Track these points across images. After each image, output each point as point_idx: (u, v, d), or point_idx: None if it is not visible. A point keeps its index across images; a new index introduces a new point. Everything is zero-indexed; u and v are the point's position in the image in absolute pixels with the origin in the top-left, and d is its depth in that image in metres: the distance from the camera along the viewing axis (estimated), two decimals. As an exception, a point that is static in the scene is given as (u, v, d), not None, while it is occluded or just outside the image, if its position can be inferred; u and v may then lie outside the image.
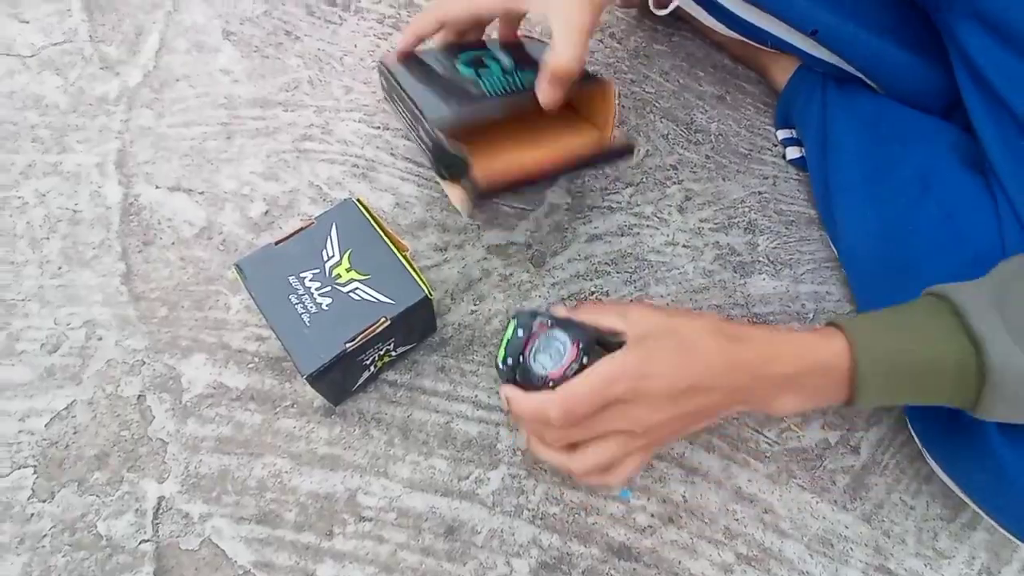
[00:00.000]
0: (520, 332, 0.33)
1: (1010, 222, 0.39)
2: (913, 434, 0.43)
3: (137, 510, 0.38)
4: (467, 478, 0.41)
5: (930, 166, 0.44)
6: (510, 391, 0.33)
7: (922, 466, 0.44)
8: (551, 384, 0.32)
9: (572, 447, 0.33)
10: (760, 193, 0.55)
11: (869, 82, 0.50)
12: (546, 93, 0.38)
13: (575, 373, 0.31)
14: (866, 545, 0.41)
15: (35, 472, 0.39)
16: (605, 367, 0.30)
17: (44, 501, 0.38)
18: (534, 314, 0.34)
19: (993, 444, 0.35)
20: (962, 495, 0.39)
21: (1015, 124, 0.39)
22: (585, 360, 0.32)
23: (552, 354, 0.33)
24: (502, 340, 0.34)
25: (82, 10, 0.54)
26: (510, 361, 0.33)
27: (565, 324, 0.33)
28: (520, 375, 0.33)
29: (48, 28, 0.52)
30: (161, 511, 0.38)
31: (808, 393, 0.32)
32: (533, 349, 0.33)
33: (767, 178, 0.56)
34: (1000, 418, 0.32)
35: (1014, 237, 0.39)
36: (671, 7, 0.53)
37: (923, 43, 0.46)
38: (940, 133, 0.46)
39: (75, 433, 0.40)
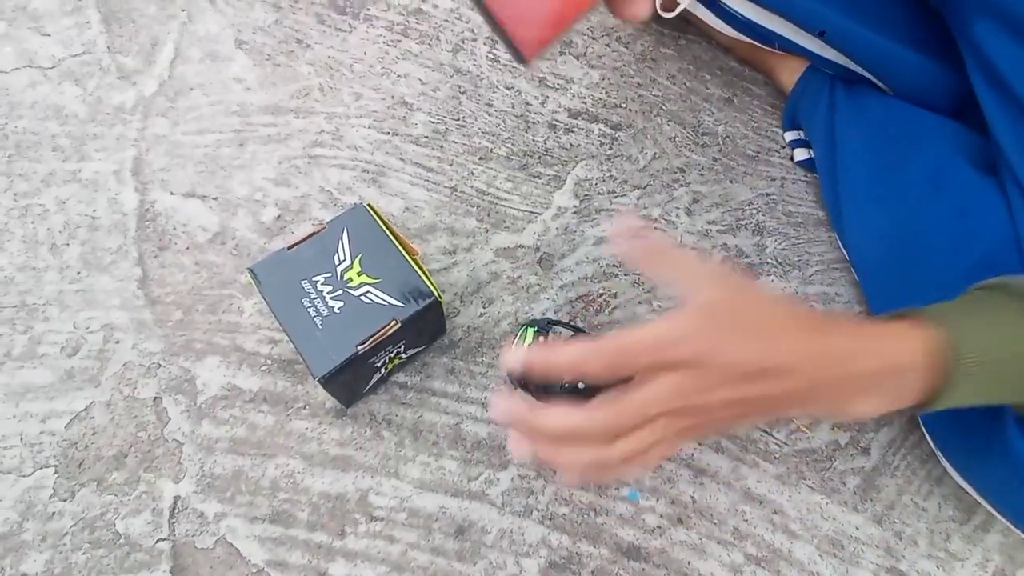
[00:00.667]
0: (541, 339, 0.33)
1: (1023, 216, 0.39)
2: (926, 435, 0.43)
3: (154, 509, 0.39)
4: (477, 479, 0.41)
5: (941, 165, 0.44)
6: (523, 406, 0.27)
7: (934, 467, 0.43)
8: (581, 387, 0.29)
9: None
10: (768, 195, 0.55)
11: (878, 83, 0.50)
12: None
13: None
14: (877, 547, 0.41)
15: (56, 472, 0.39)
16: (669, 322, 0.25)
17: (65, 500, 0.39)
18: (550, 322, 0.34)
19: (1013, 443, 0.35)
20: (977, 496, 0.39)
21: None
22: None
23: None
24: (516, 345, 0.35)
25: (100, 22, 0.55)
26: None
27: (575, 334, 0.33)
28: (537, 388, 0.31)
29: (68, 40, 0.54)
30: (177, 510, 0.39)
31: (889, 395, 0.28)
32: None
33: (775, 180, 0.56)
34: None
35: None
36: (678, 10, 0.53)
37: (933, 43, 0.46)
38: (950, 133, 0.46)
39: (94, 434, 0.41)
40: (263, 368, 0.44)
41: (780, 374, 0.26)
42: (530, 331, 0.37)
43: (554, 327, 0.36)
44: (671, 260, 0.27)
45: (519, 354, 0.26)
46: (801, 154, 0.56)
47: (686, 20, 0.61)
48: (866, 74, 0.49)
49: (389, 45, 0.59)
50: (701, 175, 0.55)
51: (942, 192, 0.43)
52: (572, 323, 0.46)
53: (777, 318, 0.27)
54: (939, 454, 0.42)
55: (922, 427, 0.43)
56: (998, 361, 0.28)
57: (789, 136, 0.58)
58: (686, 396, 0.26)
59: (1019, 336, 0.28)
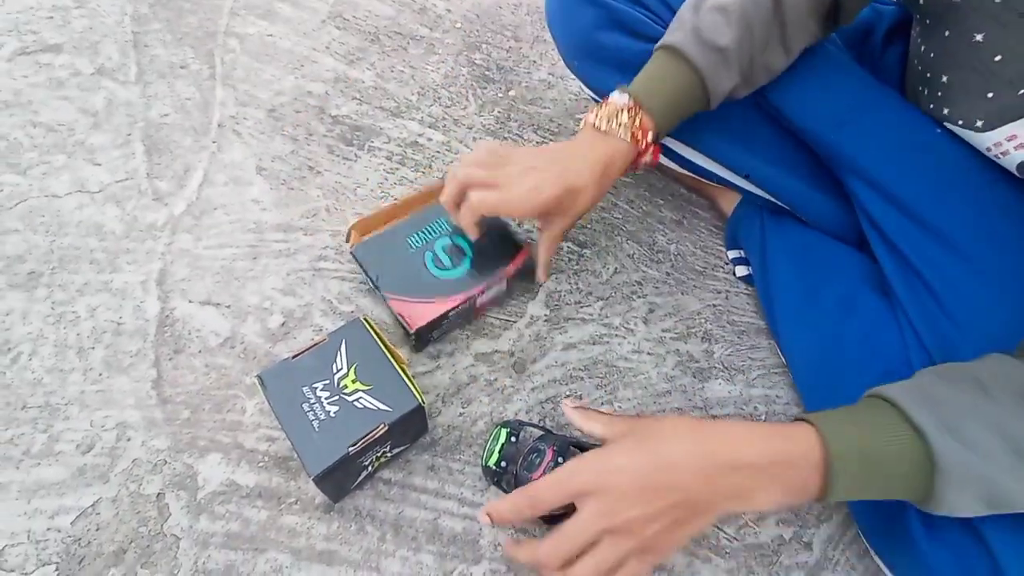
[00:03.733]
0: (513, 439, 0.41)
1: (913, 342, 0.47)
2: (859, 531, 0.48)
3: (148, 605, 0.41)
4: (452, 573, 0.44)
5: (849, 294, 0.52)
6: (492, 507, 0.36)
7: (871, 563, 0.48)
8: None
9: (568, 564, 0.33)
10: (715, 306, 0.63)
11: (797, 215, 0.60)
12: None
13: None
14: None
15: (56, 569, 0.42)
16: (571, 462, 0.34)
17: (63, 596, 0.41)
18: (520, 423, 0.41)
19: (916, 536, 0.40)
20: None
21: (907, 264, 0.47)
22: (560, 460, 0.38)
23: (534, 460, 0.39)
24: (490, 444, 0.41)
25: (144, 153, 0.65)
26: (504, 465, 0.41)
27: (543, 433, 0.40)
28: (509, 483, 0.40)
29: (114, 168, 0.63)
30: (169, 606, 0.42)
31: (783, 485, 0.33)
32: (521, 459, 0.40)
33: (720, 292, 0.64)
34: (958, 511, 0.33)
35: (917, 354, 0.46)
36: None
37: (833, 188, 0.56)
38: (855, 264, 0.55)
39: (97, 530, 0.44)
40: (260, 464, 0.48)
41: (674, 479, 0.31)
42: (503, 431, 0.43)
43: (524, 427, 0.44)
44: (593, 417, 0.38)
45: (492, 508, 0.36)
46: (742, 271, 0.65)
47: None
48: (784, 206, 0.59)
49: (388, 172, 0.69)
50: (656, 288, 0.63)
51: (850, 317, 0.51)
52: (541, 423, 0.52)
53: (665, 431, 0.34)
54: (870, 549, 0.46)
55: (857, 529, 0.48)
56: (863, 455, 0.33)
57: (731, 254, 0.67)
58: (606, 516, 0.32)
59: (879, 436, 0.33)
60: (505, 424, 0.44)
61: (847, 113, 0.50)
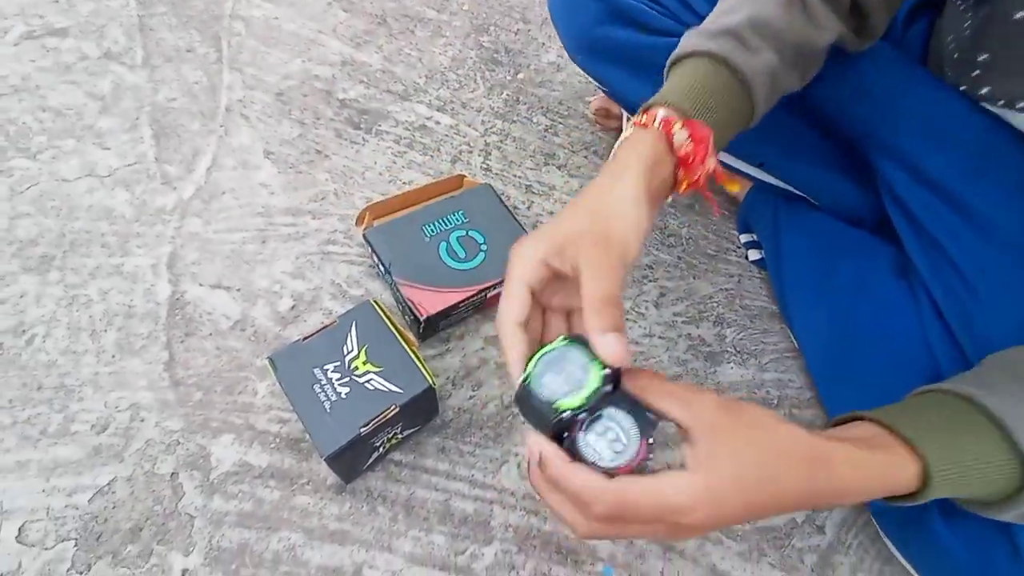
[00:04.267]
0: (607, 389, 0.29)
1: (932, 322, 0.46)
2: (872, 517, 0.47)
3: (164, 582, 0.42)
4: (463, 553, 0.45)
5: (862, 276, 0.51)
6: (555, 459, 0.28)
7: (883, 547, 0.47)
8: (611, 474, 0.27)
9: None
10: (727, 290, 0.62)
11: (813, 201, 0.59)
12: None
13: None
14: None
15: (76, 545, 0.43)
16: (675, 488, 0.27)
17: (81, 573, 0.42)
18: (607, 380, 0.29)
19: (935, 527, 0.39)
20: (914, 572, 0.43)
21: (932, 242, 0.46)
22: (651, 458, 0.28)
23: (610, 440, 0.27)
24: (538, 361, 0.30)
25: (152, 137, 0.65)
26: (580, 416, 0.28)
27: (630, 405, 0.29)
28: (566, 446, 0.29)
29: (123, 152, 0.63)
30: (185, 583, 0.42)
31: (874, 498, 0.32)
32: (586, 424, 0.28)
33: (733, 276, 0.63)
34: None
35: (936, 335, 0.45)
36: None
37: (854, 170, 0.55)
38: (871, 248, 0.54)
39: (114, 508, 0.44)
40: (272, 446, 0.48)
41: (776, 510, 0.29)
42: (598, 371, 0.30)
43: (603, 386, 0.29)
44: (667, 393, 0.29)
45: (544, 450, 0.29)
46: (754, 254, 0.64)
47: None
48: (801, 193, 0.58)
49: (396, 156, 0.69)
50: (667, 272, 0.63)
51: (863, 299, 0.50)
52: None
53: (782, 466, 0.28)
54: (883, 535, 0.46)
55: (871, 515, 0.48)
56: (956, 483, 0.31)
57: (744, 238, 0.66)
58: (681, 535, 0.29)
59: (981, 459, 0.31)
60: (598, 362, 0.29)
61: (873, 88, 0.49)
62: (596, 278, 0.30)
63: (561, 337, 0.31)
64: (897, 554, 0.44)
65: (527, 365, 0.30)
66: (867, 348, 0.49)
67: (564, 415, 0.28)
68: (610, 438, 0.28)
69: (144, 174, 0.62)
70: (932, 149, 0.47)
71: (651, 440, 0.28)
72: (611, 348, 0.29)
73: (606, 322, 0.29)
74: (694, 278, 0.63)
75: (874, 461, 0.31)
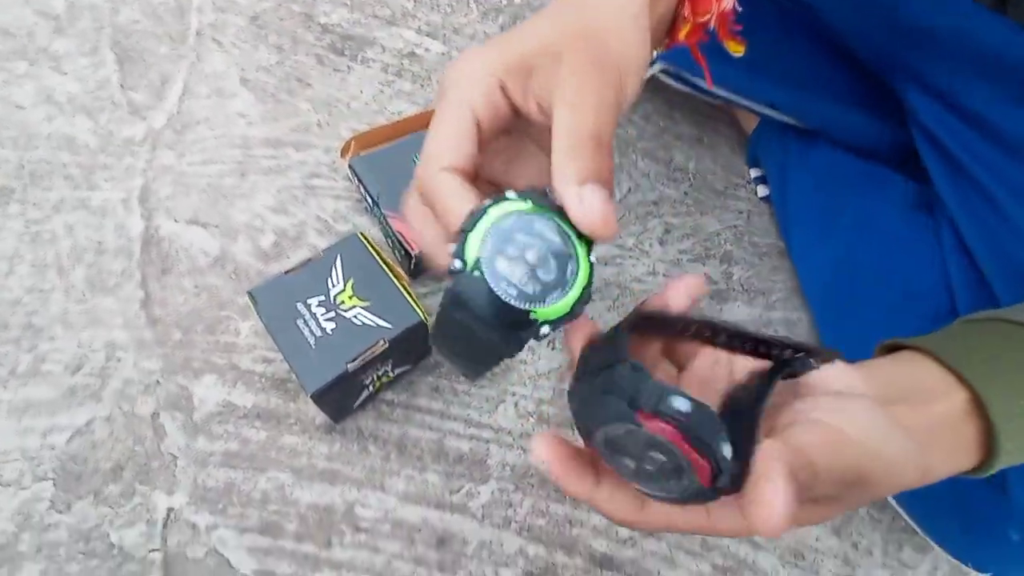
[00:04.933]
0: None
1: (954, 254, 0.43)
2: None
3: (148, 521, 0.40)
4: (458, 492, 0.43)
5: (873, 212, 0.48)
6: (578, 487, 0.20)
7: (891, 510, 0.46)
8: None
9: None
10: (735, 227, 0.59)
11: (828, 135, 0.55)
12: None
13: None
14: (835, 556, 0.43)
15: (54, 484, 0.41)
16: (712, 530, 0.21)
17: (61, 512, 0.40)
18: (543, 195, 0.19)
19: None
20: (907, 518, 0.42)
21: (967, 177, 0.43)
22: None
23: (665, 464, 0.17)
24: (487, 236, 0.19)
25: (114, 62, 0.59)
26: (545, 331, 0.19)
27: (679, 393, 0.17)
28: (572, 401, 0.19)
29: (83, 78, 0.58)
30: (170, 522, 0.41)
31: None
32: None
33: (741, 213, 0.60)
34: None
35: (959, 272, 0.43)
36: (648, 74, 0.58)
37: (875, 102, 0.51)
38: (886, 183, 0.50)
39: (93, 448, 0.43)
40: (257, 386, 0.46)
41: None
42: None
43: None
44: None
45: (551, 454, 0.20)
46: (764, 190, 0.61)
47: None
48: (814, 130, 0.54)
49: (384, 85, 0.64)
50: (673, 208, 0.59)
51: (873, 234, 0.47)
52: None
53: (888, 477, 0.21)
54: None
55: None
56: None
57: (753, 173, 0.62)
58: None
59: None
60: (584, 238, 0.20)
61: (902, 9, 0.44)
62: (579, 111, 0.20)
63: (514, 195, 0.19)
64: (906, 517, 0.43)
65: (463, 242, 0.19)
66: (875, 286, 0.46)
67: (544, 330, 0.19)
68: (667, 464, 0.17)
69: (108, 101, 0.57)
70: (969, 75, 0.43)
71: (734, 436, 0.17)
72: (591, 207, 0.19)
73: (584, 166, 0.19)
74: (701, 214, 0.59)
75: (956, 456, 0.25)
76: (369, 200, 0.51)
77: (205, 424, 0.44)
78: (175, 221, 0.53)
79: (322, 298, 0.42)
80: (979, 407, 0.25)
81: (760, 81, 0.51)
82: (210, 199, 0.54)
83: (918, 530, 0.41)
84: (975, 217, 0.43)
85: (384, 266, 0.44)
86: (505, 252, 0.19)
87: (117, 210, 0.52)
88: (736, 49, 0.39)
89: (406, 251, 0.48)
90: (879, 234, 0.47)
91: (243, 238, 0.53)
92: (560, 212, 0.20)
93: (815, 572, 0.42)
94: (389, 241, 0.52)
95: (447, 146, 0.21)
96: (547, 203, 0.20)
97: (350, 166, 0.52)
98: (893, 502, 0.43)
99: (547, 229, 0.19)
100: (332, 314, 0.41)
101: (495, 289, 0.18)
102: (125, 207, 0.53)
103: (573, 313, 0.19)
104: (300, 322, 0.41)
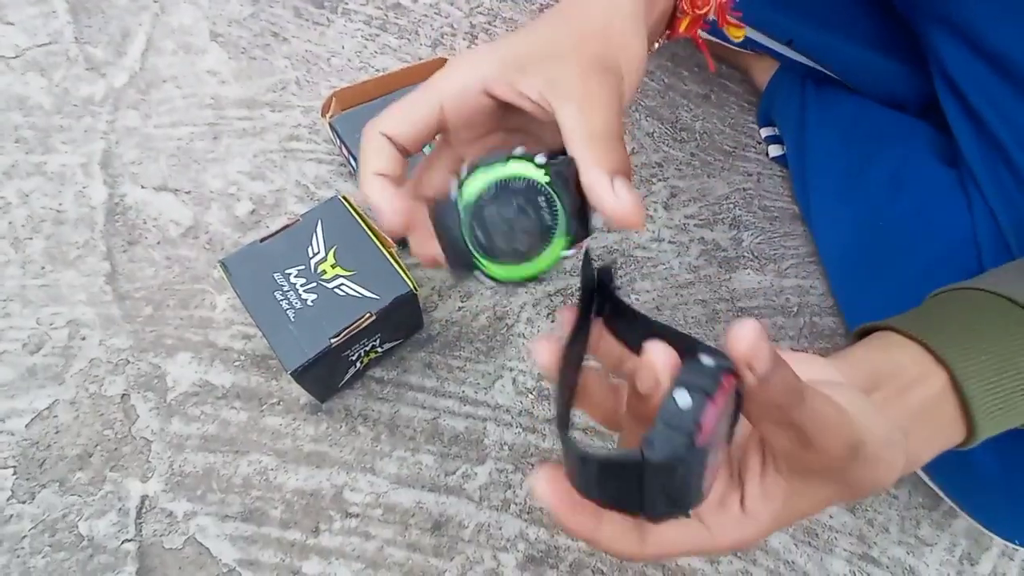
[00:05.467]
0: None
1: (983, 215, 0.40)
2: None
3: (120, 509, 0.38)
4: (454, 473, 0.41)
5: (903, 165, 0.45)
6: (574, 522, 0.19)
7: (912, 474, 0.44)
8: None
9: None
10: (744, 190, 0.56)
11: (848, 83, 0.51)
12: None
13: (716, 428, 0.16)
14: (850, 534, 0.41)
15: (15, 472, 0.38)
16: (726, 542, 0.20)
17: (24, 502, 0.37)
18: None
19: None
20: (934, 486, 0.40)
21: (987, 133, 0.40)
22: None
23: (697, 397, 0.15)
24: (492, 185, 0.20)
25: (67, 12, 0.54)
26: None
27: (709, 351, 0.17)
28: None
29: (32, 30, 0.52)
30: (144, 510, 0.38)
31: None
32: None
33: (751, 175, 0.57)
34: None
35: (986, 230, 0.40)
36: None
37: (899, 47, 0.47)
38: (915, 133, 0.47)
39: (57, 433, 0.39)
40: (236, 364, 0.43)
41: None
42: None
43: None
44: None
45: (549, 501, 0.18)
46: (775, 150, 0.57)
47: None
48: (834, 75, 0.50)
49: (367, 39, 0.59)
50: (679, 170, 0.56)
51: (902, 191, 0.44)
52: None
53: (867, 487, 0.20)
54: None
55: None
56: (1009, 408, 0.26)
57: (764, 132, 0.58)
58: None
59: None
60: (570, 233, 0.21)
61: None
62: (591, 109, 0.21)
63: (543, 160, 0.20)
64: (928, 482, 0.41)
65: (470, 174, 0.20)
66: (903, 249, 0.43)
67: (486, 282, 0.22)
68: (696, 402, 0.16)
69: (63, 56, 0.52)
70: (996, 9, 0.39)
71: (731, 370, 0.16)
72: (625, 200, 0.19)
73: (609, 157, 0.20)
74: (708, 177, 0.56)
75: (939, 438, 0.26)
76: (352, 163, 0.47)
77: (180, 405, 0.41)
78: (142, 188, 0.49)
79: (301, 267, 0.38)
80: (956, 386, 0.25)
81: (780, 15, 0.47)
82: (180, 164, 0.50)
83: (957, 508, 0.39)
84: (997, 182, 0.39)
85: (370, 232, 0.40)
86: (497, 206, 0.20)
87: (77, 176, 0.48)
88: (736, 35, 0.36)
89: None
90: (910, 191, 0.43)
91: (217, 206, 0.49)
92: (565, 189, 0.21)
93: (829, 551, 0.40)
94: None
95: (397, 116, 0.23)
96: (562, 188, 0.21)
97: (331, 125, 0.48)
98: (932, 483, 0.40)
99: (547, 209, 0.21)
100: (313, 285, 0.38)
101: (464, 232, 0.21)
102: (85, 172, 0.48)
103: (508, 284, 0.22)
104: (278, 294, 0.37)
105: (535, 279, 0.21)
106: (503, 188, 0.20)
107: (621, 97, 0.23)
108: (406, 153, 0.24)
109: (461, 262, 0.21)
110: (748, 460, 0.21)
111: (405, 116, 0.23)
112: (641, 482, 0.16)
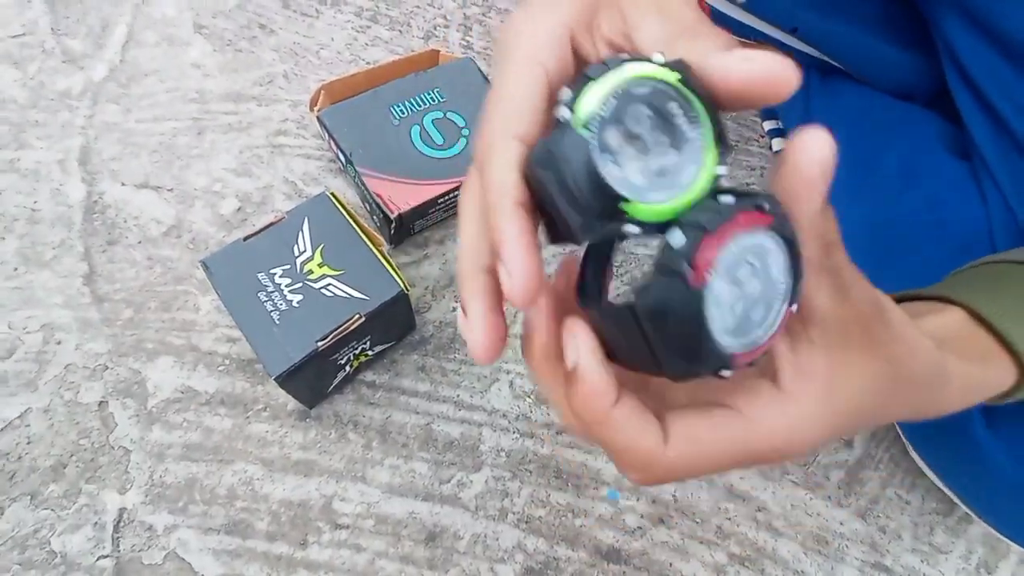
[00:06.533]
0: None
1: (998, 208, 0.39)
2: (899, 430, 0.42)
3: (96, 524, 0.36)
4: (449, 481, 0.39)
5: (914, 156, 0.43)
6: (600, 394, 0.16)
7: (912, 463, 0.43)
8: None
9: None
10: (748, 184, 0.54)
11: (852, 73, 0.49)
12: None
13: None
14: (862, 542, 0.40)
15: (-14, 485, 0.36)
16: (766, 442, 0.17)
17: (-5, 516, 0.35)
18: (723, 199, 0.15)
19: (976, 435, 0.34)
20: (948, 492, 0.38)
21: (1001, 124, 0.38)
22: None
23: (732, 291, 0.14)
24: (610, 98, 0.15)
25: (43, 2, 0.52)
26: (630, 229, 0.15)
27: (781, 227, 0.15)
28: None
29: (5, 20, 0.50)
30: (122, 524, 0.36)
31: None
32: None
33: (754, 169, 0.55)
34: None
35: (1002, 223, 0.38)
36: None
37: (908, 34, 0.46)
38: (925, 123, 0.45)
39: (29, 443, 0.37)
40: (220, 368, 0.41)
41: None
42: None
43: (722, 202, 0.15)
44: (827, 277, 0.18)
45: (583, 366, 0.16)
46: (779, 144, 0.55)
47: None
48: (840, 65, 0.49)
49: (358, 31, 0.57)
50: (680, 166, 0.54)
51: (913, 184, 0.42)
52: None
53: (901, 393, 0.20)
54: (910, 448, 0.41)
55: (896, 425, 0.43)
56: None
57: (767, 125, 0.57)
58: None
59: None
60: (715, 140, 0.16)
61: None
62: (668, 8, 0.17)
63: (662, 59, 0.15)
64: (927, 470, 0.40)
65: (580, 90, 0.15)
66: (915, 247, 0.42)
67: (630, 229, 0.15)
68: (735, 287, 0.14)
69: (38, 48, 0.50)
70: (1018, 2, 0.37)
71: (795, 305, 0.15)
72: (763, 57, 0.15)
73: (718, 39, 0.16)
74: (710, 173, 0.54)
75: (980, 379, 0.25)
76: (342, 158, 0.45)
77: (161, 412, 0.39)
78: (122, 185, 0.47)
79: (287, 267, 0.37)
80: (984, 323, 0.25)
81: (784, 1, 0.45)
82: (163, 161, 0.48)
83: (973, 514, 0.38)
84: (1012, 171, 0.38)
85: (358, 230, 0.38)
86: (624, 122, 0.15)
87: (53, 173, 0.46)
88: None
89: (385, 215, 0.43)
90: (920, 184, 0.42)
91: (201, 204, 0.47)
92: (706, 103, 0.16)
93: (840, 559, 0.39)
94: (367, 205, 0.47)
95: (519, 109, 0.17)
96: (696, 85, 0.15)
97: (319, 119, 0.46)
98: (945, 487, 0.39)
99: (683, 116, 0.15)
100: (299, 285, 0.36)
101: (595, 159, 0.15)
102: (62, 169, 0.46)
103: (654, 228, 0.15)
104: (262, 295, 0.35)
105: (688, 214, 0.15)
106: (625, 99, 0.15)
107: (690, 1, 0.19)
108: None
109: (595, 208, 0.15)
110: (775, 347, 0.18)
111: (532, 107, 0.17)
112: (644, 333, 0.14)
